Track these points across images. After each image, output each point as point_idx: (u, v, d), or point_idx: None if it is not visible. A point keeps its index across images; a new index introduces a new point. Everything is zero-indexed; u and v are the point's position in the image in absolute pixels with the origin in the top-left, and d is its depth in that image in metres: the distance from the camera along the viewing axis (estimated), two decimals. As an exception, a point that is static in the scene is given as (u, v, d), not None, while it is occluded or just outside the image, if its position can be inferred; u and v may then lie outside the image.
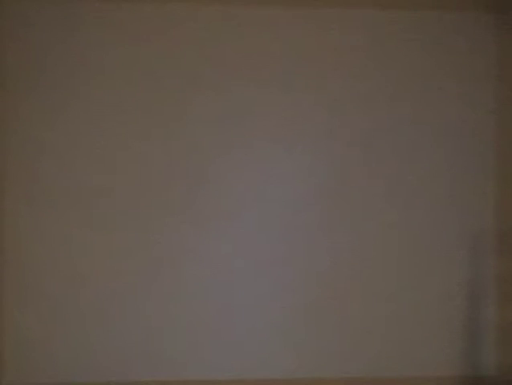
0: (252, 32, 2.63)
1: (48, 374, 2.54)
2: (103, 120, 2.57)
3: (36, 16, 2.55)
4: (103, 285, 2.55)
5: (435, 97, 2.69)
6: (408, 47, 2.68)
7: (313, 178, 2.64)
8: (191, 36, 2.61)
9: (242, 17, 2.62)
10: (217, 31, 2.61)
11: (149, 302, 2.57)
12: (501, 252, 2.69)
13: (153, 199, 2.58)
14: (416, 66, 2.68)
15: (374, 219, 2.65)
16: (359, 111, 2.66)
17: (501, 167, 2.70)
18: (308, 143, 2.64)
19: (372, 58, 2.67)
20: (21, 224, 2.54)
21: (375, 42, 2.67)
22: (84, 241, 2.55)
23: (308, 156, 2.64)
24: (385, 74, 2.67)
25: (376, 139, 2.66)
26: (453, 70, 2.69)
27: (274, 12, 2.63)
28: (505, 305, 2.67)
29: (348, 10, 2.65)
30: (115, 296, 2.56)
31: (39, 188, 2.54)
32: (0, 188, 2.53)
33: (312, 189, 2.64)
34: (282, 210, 2.62)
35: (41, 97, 2.55)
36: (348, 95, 2.66)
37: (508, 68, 2.71)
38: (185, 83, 2.60)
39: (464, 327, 2.68)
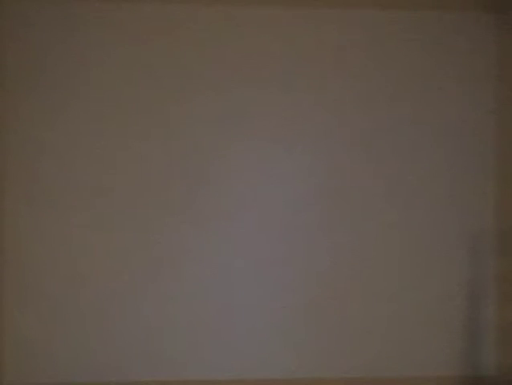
0: (252, 32, 2.63)
1: (48, 374, 2.54)
2: (103, 120, 2.57)
3: (36, 16, 2.55)
4: (103, 285, 2.55)
5: (435, 97, 2.69)
6: (408, 47, 2.68)
7: (313, 178, 2.64)
8: (191, 36, 2.61)
9: (242, 17, 2.62)
10: (218, 31, 2.61)
11: (149, 302, 2.57)
12: (501, 252, 2.69)
13: (153, 199, 2.58)
14: (416, 66, 2.68)
15: (374, 219, 2.65)
16: (359, 111, 2.66)
17: (501, 167, 2.70)
18: (308, 143, 2.64)
19: (372, 58, 2.67)
20: (21, 224, 2.54)
21: (375, 42, 2.67)
22: (84, 240, 2.55)
23: (308, 155, 2.64)
24: (385, 74, 2.67)
25: (376, 139, 2.66)
26: (453, 70, 2.69)
27: (274, 12, 2.63)
28: (505, 305, 2.67)
29: (348, 10, 2.65)
30: (115, 296, 2.56)
31: (39, 188, 2.54)
32: (0, 188, 2.53)
33: (312, 189, 2.64)
34: (282, 210, 2.62)
35: (41, 97, 2.55)
36: (348, 95, 2.66)
37: (508, 68, 2.71)
38: (185, 83, 2.60)
39: (464, 327, 2.68)
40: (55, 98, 2.56)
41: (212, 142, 2.61)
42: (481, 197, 2.70)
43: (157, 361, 2.57)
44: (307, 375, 2.62)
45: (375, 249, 2.65)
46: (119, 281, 2.56)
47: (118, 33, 2.58)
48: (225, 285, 2.60)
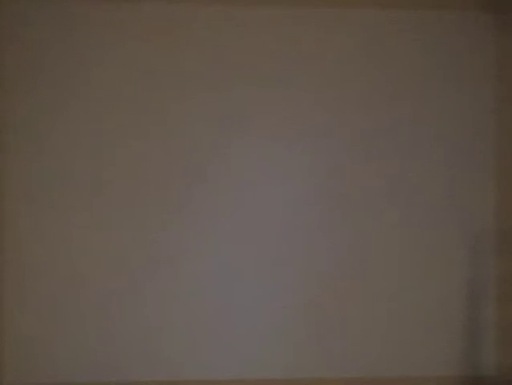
0: (252, 32, 2.63)
1: (48, 374, 2.54)
2: (103, 120, 2.57)
3: (35, 16, 2.55)
4: (103, 284, 2.55)
5: (435, 97, 2.69)
6: (408, 47, 2.68)
7: (313, 178, 2.64)
8: (191, 36, 2.61)
9: (242, 17, 2.62)
10: (218, 31, 2.61)
11: (149, 302, 2.57)
12: (501, 252, 2.69)
13: (153, 198, 2.58)
14: (416, 66, 2.68)
15: (374, 219, 2.65)
16: (359, 110, 2.66)
17: (501, 167, 2.71)
18: (308, 143, 2.64)
19: (372, 58, 2.67)
20: (21, 224, 2.53)
21: (375, 42, 2.67)
22: (84, 240, 2.55)
23: (308, 155, 2.64)
24: (385, 74, 2.67)
25: (376, 139, 2.66)
26: (453, 70, 2.70)
27: (274, 12, 2.63)
28: (505, 305, 2.67)
29: (348, 10, 2.65)
30: (114, 296, 2.55)
31: (39, 187, 2.54)
32: (0, 188, 2.53)
33: (312, 189, 2.64)
34: (282, 210, 2.62)
35: (40, 97, 2.55)
36: (348, 94, 2.66)
37: (508, 68, 2.71)
38: (185, 83, 2.60)
39: (464, 327, 2.68)
40: (55, 97, 2.55)
41: (211, 142, 2.61)
42: (482, 197, 2.70)
43: (157, 361, 2.57)
44: (307, 375, 2.62)
45: (375, 249, 2.65)
46: (118, 281, 2.56)
47: (118, 32, 2.58)
48: (225, 285, 2.60)
